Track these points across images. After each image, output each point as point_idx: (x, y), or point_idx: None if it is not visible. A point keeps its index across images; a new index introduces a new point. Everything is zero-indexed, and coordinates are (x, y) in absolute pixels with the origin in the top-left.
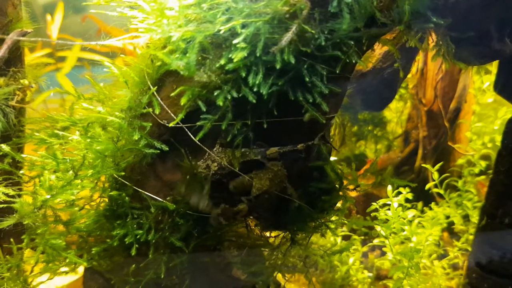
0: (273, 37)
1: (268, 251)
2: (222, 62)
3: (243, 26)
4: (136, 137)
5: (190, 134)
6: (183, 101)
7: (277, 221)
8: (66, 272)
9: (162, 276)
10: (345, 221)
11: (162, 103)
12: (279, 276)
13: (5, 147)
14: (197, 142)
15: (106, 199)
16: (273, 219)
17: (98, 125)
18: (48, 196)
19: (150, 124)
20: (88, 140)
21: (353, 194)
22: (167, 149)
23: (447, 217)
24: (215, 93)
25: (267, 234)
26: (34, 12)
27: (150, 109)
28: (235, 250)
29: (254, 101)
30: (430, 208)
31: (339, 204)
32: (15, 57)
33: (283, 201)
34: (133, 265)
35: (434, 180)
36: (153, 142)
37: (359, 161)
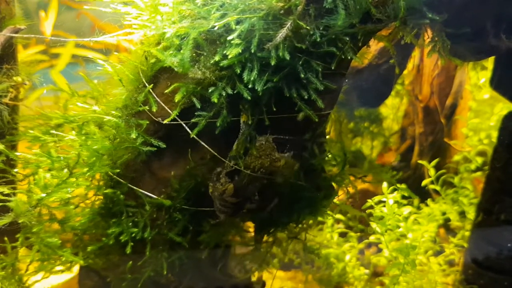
0: (268, 33)
1: (262, 248)
2: (217, 58)
3: (238, 22)
4: (134, 136)
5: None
6: (177, 97)
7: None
8: (62, 271)
9: (165, 272)
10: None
11: (158, 100)
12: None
13: None
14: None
15: (101, 197)
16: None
17: (94, 123)
18: (43, 195)
19: (147, 121)
20: (83, 138)
21: (350, 190)
22: (164, 146)
23: (443, 213)
24: (210, 90)
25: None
26: (27, 8)
27: (147, 107)
28: (232, 248)
29: (249, 98)
30: (426, 205)
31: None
32: (8, 54)
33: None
34: (129, 263)
35: (430, 177)
36: (150, 140)
37: (355, 158)
